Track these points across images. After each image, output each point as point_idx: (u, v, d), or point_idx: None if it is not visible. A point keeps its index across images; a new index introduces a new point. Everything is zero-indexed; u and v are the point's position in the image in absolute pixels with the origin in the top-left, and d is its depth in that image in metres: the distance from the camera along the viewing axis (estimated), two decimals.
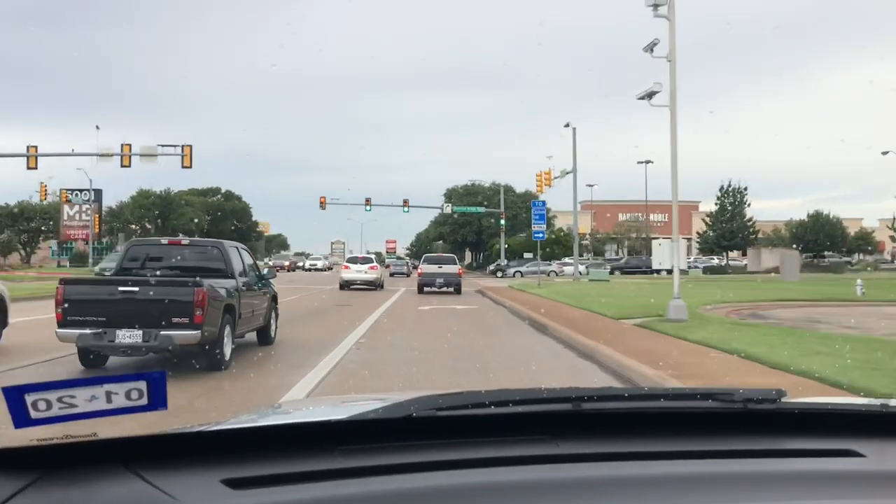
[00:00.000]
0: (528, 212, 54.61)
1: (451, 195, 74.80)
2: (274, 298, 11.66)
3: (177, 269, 9.76)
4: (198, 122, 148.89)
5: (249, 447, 1.13)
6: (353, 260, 32.93)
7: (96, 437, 1.05)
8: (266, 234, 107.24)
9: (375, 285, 30.82)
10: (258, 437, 1.20)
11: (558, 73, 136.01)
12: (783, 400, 1.32)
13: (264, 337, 11.30)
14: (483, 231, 74.30)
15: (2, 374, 8.29)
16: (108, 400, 1.00)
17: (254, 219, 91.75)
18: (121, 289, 8.33)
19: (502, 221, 58.91)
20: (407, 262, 65.92)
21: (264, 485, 1.02)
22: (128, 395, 1.01)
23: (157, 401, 1.03)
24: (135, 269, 9.88)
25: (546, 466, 1.11)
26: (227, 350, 9.11)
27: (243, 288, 9.96)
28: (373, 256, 36.18)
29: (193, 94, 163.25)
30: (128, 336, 8.15)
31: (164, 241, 10.85)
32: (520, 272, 51.42)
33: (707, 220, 65.59)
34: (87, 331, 8.22)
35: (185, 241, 11.32)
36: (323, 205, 53.93)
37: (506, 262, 57.92)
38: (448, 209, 65.41)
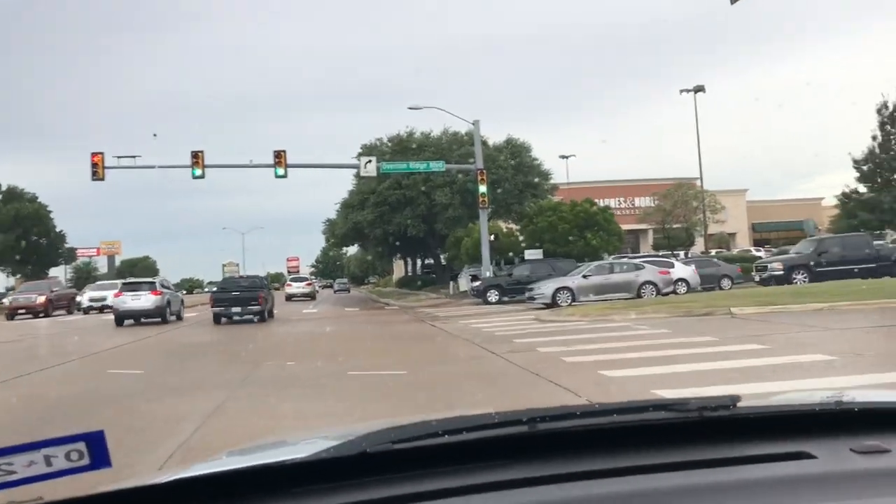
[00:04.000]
0: (523, 174, 43.10)
1: (375, 151, 41.59)
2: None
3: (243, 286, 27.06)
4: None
5: (196, 498, 1.12)
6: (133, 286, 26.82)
7: (41, 500, 1.06)
8: (116, 255, 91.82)
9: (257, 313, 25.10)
10: (205, 485, 1.18)
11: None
12: (738, 405, 1.36)
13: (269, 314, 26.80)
14: (436, 215, 44.05)
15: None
16: (48, 464, 1.00)
17: (59, 230, 66.29)
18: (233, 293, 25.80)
19: (482, 188, 32.48)
20: (310, 280, 61.82)
21: None
22: (67, 457, 1.02)
23: (100, 460, 1.03)
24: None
25: (497, 494, 1.12)
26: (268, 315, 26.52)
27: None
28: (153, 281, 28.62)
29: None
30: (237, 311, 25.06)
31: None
32: (569, 290, 25.47)
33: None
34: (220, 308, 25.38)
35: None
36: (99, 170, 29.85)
37: (495, 268, 35.41)
38: (370, 168, 33.49)
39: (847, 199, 39.64)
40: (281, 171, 32.82)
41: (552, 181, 47.60)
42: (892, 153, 37.76)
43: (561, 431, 1.31)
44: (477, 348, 14.18)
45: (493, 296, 31.35)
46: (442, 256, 49.81)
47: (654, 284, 26.00)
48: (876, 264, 26.41)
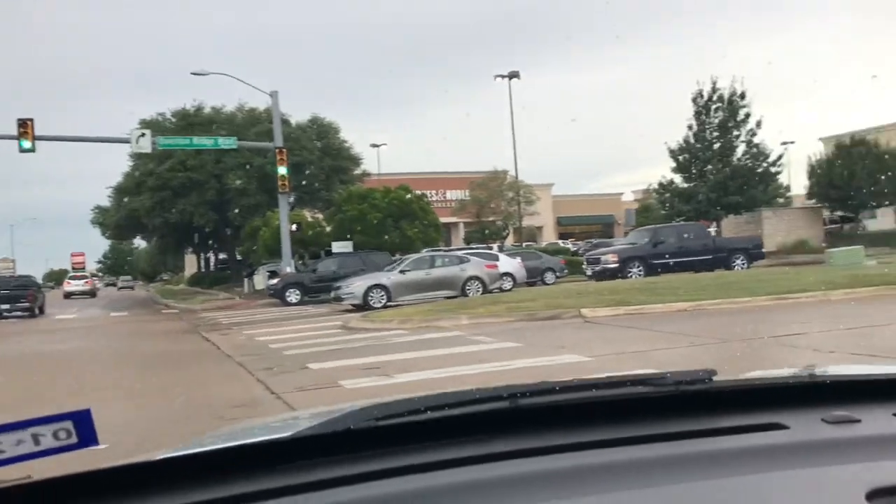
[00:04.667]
0: (331, 157, 39.25)
1: (156, 127, 35.51)
2: None
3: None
4: None
5: (185, 476, 1.11)
6: None
7: (30, 479, 1.05)
8: None
9: None
10: (194, 464, 1.17)
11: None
12: (713, 379, 1.37)
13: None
14: (229, 202, 39.33)
15: None
16: (36, 442, 1.01)
17: None
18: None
19: (281, 170, 28.68)
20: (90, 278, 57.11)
21: None
22: (55, 436, 1.02)
23: (88, 438, 1.03)
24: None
25: (481, 466, 1.13)
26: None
27: None
28: None
29: None
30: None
31: None
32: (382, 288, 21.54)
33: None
34: None
35: None
36: None
37: (299, 263, 31.40)
38: (144, 143, 27.78)
39: (664, 189, 38.78)
40: (27, 144, 26.36)
41: (363, 167, 43.42)
42: (706, 143, 37.23)
43: (541, 406, 1.34)
44: (250, 382, 9.53)
45: (293, 296, 26.67)
46: (238, 250, 43.82)
47: (481, 280, 22.46)
48: (713, 256, 24.69)
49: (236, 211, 38.54)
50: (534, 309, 15.26)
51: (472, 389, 1.38)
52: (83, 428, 1.04)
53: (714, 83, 37.18)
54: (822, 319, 11.87)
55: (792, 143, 37.20)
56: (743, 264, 24.93)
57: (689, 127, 37.87)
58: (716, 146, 37.27)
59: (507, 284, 24.74)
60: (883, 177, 37.05)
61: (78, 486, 1.07)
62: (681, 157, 38.05)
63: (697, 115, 37.71)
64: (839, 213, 42.82)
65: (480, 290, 22.10)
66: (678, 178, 38.52)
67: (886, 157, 38.07)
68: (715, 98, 37.29)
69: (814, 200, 41.79)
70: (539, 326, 13.53)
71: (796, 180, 50.81)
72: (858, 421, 1.28)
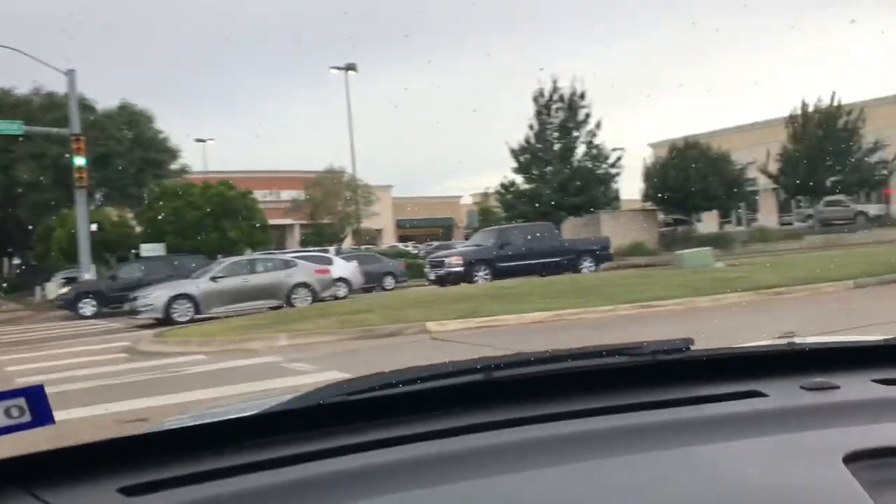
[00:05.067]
0: (143, 148, 34.88)
1: None
2: None
3: None
4: None
5: (151, 454, 1.08)
6: None
7: None
8: None
9: None
10: (160, 442, 1.16)
11: None
12: (691, 348, 1.37)
13: None
14: (18, 198, 35.07)
15: None
16: None
17: None
18: None
19: (79, 160, 25.06)
20: None
21: (163, 488, 0.98)
22: (7, 414, 0.98)
23: (42, 416, 1.00)
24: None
25: (455, 438, 1.12)
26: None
27: None
28: None
29: None
30: None
31: None
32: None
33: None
34: None
35: None
36: None
37: (103, 269, 27.15)
38: None
39: (506, 190, 37.63)
40: None
41: (182, 161, 39.12)
42: (547, 143, 36.44)
43: (516, 378, 1.32)
44: None
45: (87, 307, 22.71)
46: (29, 254, 38.26)
47: (310, 287, 19.70)
48: (561, 258, 23.25)
49: (27, 209, 33.14)
50: (371, 323, 12.77)
51: (446, 363, 1.37)
52: (37, 405, 1.00)
53: (555, 82, 36.49)
54: (702, 333, 10.22)
55: (622, 149, 36.87)
56: (591, 266, 23.73)
57: (531, 126, 36.98)
58: (557, 147, 36.57)
59: (342, 291, 22.20)
60: (712, 179, 37.81)
61: (34, 465, 1.03)
62: (522, 158, 37.05)
63: (538, 114, 36.86)
64: (673, 215, 43.64)
65: (310, 298, 19.34)
66: (520, 179, 37.53)
67: (717, 159, 38.99)
68: (555, 98, 36.58)
69: (649, 203, 42.29)
70: (376, 347, 11.06)
71: (627, 187, 52.12)
72: (837, 387, 1.29)
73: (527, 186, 37.03)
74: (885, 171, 40.86)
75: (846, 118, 39.89)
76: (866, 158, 40.36)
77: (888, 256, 18.15)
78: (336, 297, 20.74)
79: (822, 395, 1.26)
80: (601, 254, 24.60)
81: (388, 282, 27.39)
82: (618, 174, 37.06)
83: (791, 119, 41.35)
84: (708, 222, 52.72)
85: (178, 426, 1.30)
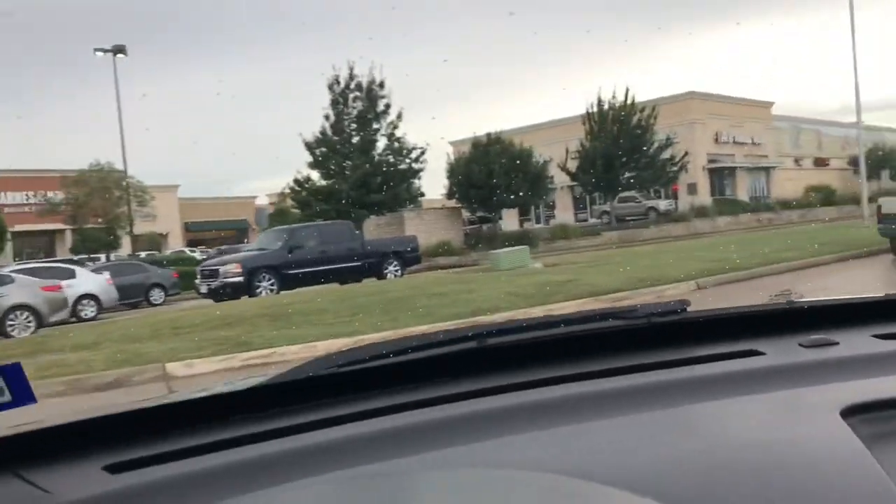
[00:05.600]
0: None
1: None
2: None
3: None
4: None
5: (136, 431, 1.07)
6: None
7: None
8: None
9: None
10: (146, 419, 1.13)
11: None
12: (688, 310, 1.36)
13: None
14: None
15: None
16: None
17: None
18: None
19: None
20: None
21: (148, 464, 0.97)
22: None
23: (22, 395, 0.98)
24: None
25: (449, 405, 1.11)
26: None
27: None
28: None
29: None
30: None
31: None
32: None
33: None
34: None
35: None
36: None
37: None
38: None
39: (300, 187, 33.96)
40: None
41: None
42: (345, 135, 33.28)
43: (510, 344, 1.31)
44: None
45: None
46: None
47: (34, 310, 15.06)
48: (364, 261, 20.00)
49: None
50: (89, 365, 8.92)
51: (437, 332, 1.35)
52: (15, 383, 0.98)
53: (351, 69, 33.36)
54: None
55: (427, 146, 34.60)
56: (397, 270, 20.80)
57: (326, 117, 33.65)
58: (355, 140, 33.52)
59: (90, 311, 17.70)
60: (516, 176, 36.52)
61: (16, 445, 1.02)
62: (318, 152, 33.60)
63: (334, 104, 33.61)
64: (478, 213, 42.15)
65: (32, 325, 14.75)
66: (316, 175, 34.06)
67: (520, 155, 37.82)
68: (353, 86, 33.51)
69: (454, 200, 40.42)
70: (80, 410, 7.30)
71: (431, 187, 50.31)
72: (836, 343, 1.28)
73: (324, 183, 33.62)
74: (674, 168, 42.01)
75: (639, 115, 40.43)
76: (659, 157, 41.23)
77: (709, 252, 16.83)
78: (81, 319, 16.27)
79: (820, 352, 1.26)
80: (409, 255, 21.64)
81: (157, 295, 23.00)
82: (421, 170, 34.67)
83: (588, 116, 41.31)
84: (508, 220, 52.45)
85: (164, 403, 1.25)
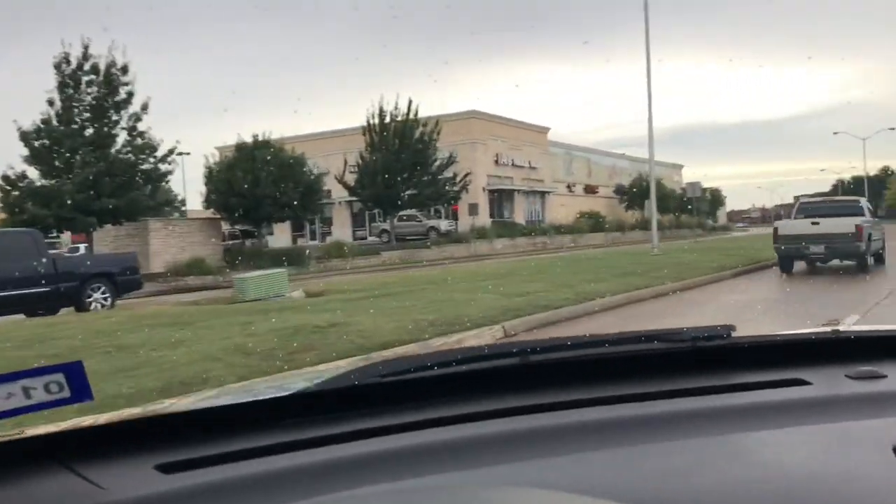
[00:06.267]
0: None
1: None
2: None
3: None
4: None
5: (187, 432, 1.09)
6: None
7: (23, 433, 1.03)
8: None
9: None
10: (196, 420, 1.16)
11: None
12: (733, 335, 1.34)
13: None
14: None
15: None
16: (28, 396, 0.96)
17: None
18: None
19: None
20: None
21: (199, 466, 0.99)
22: (47, 389, 0.97)
23: (81, 392, 1.00)
24: None
25: (493, 421, 1.10)
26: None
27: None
28: None
29: None
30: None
31: None
32: None
33: None
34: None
35: None
36: None
37: None
38: None
39: (12, 186, 27.22)
40: None
41: None
42: (75, 125, 27.18)
43: (553, 362, 1.30)
44: None
45: None
46: None
47: None
48: (55, 286, 14.47)
49: None
50: None
51: (481, 346, 1.35)
52: (76, 381, 0.99)
53: (86, 47, 27.37)
54: None
55: (174, 147, 29.25)
56: (106, 298, 15.53)
57: (50, 102, 27.32)
58: (88, 132, 27.55)
59: None
60: (285, 185, 32.38)
61: (71, 440, 1.04)
62: (38, 143, 27.20)
63: (62, 87, 27.41)
64: (240, 226, 37.36)
65: None
66: (35, 173, 27.56)
67: (292, 163, 33.70)
68: (87, 68, 27.55)
69: (212, 210, 35.29)
70: None
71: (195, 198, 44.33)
72: (884, 376, 1.25)
73: (44, 182, 27.24)
74: (455, 188, 40.14)
75: (422, 129, 38.09)
76: (441, 175, 39.13)
77: (503, 281, 14.04)
78: None
79: (868, 384, 1.22)
80: (125, 278, 16.24)
81: None
82: (170, 172, 29.27)
83: (369, 127, 38.27)
84: (281, 235, 48.04)
85: (214, 405, 1.29)
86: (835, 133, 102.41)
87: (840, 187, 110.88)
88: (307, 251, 34.83)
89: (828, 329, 1.45)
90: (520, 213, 52.00)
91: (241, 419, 1.12)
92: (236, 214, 34.01)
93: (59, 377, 0.98)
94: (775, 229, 17.16)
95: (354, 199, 42.08)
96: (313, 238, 51.43)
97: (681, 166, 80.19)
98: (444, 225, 42.88)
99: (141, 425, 1.12)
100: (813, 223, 16.34)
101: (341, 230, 49.92)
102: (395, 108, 38.18)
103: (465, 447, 1.03)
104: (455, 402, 1.16)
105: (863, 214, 16.79)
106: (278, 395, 1.25)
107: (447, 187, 39.76)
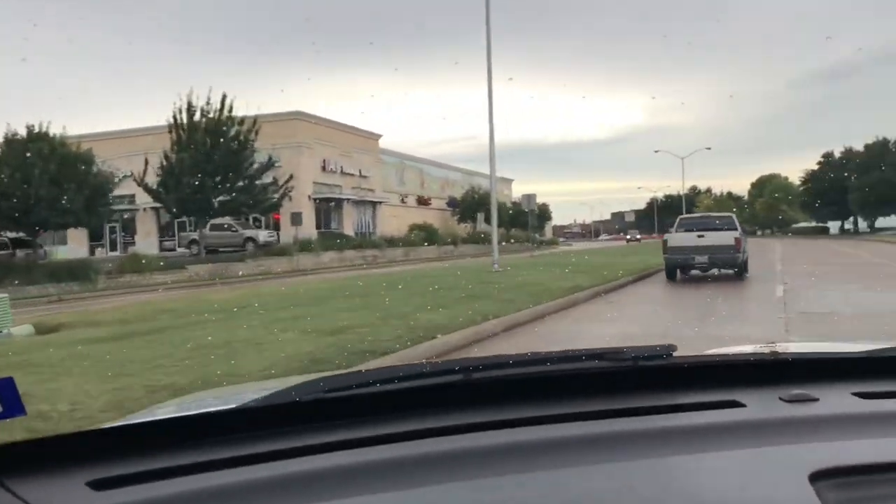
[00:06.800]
0: None
1: None
2: None
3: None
4: None
5: (121, 448, 1.07)
6: None
7: None
8: None
9: None
10: (131, 436, 1.14)
11: None
12: (672, 355, 1.35)
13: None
14: None
15: None
16: None
17: None
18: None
19: None
20: None
21: (131, 483, 0.97)
22: None
23: (13, 407, 1.00)
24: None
25: (435, 440, 1.10)
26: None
27: None
28: None
29: None
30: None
31: None
32: None
33: None
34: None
35: None
36: None
37: None
38: None
39: None
40: None
41: None
42: None
43: (495, 380, 1.30)
44: None
45: None
46: None
47: None
48: None
49: None
50: None
51: (423, 363, 1.33)
52: (7, 396, 0.99)
53: None
54: None
55: None
56: None
57: None
58: None
59: None
60: (68, 186, 27.17)
61: (7, 456, 1.01)
62: None
63: None
64: (12, 233, 31.35)
65: None
66: None
67: (75, 160, 28.41)
68: None
69: None
70: None
71: None
72: (816, 400, 1.27)
73: None
74: (275, 195, 36.20)
75: (238, 128, 33.91)
76: (258, 181, 35.04)
77: (327, 308, 10.89)
78: None
79: (800, 408, 1.24)
80: None
81: None
82: None
83: (176, 124, 33.53)
84: (78, 247, 41.86)
85: (151, 419, 1.27)
86: (656, 151, 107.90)
87: (654, 204, 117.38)
88: (96, 265, 29.64)
89: (766, 350, 1.48)
90: (349, 223, 48.71)
91: (180, 434, 1.10)
92: (3, 219, 28.18)
93: None
94: (665, 241, 18.59)
95: (160, 205, 37.03)
96: (114, 249, 45.45)
97: (511, 180, 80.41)
98: (262, 235, 38.72)
99: (74, 441, 1.10)
100: (699, 236, 17.79)
101: (147, 240, 44.36)
102: (208, 102, 33.71)
103: (404, 467, 1.02)
104: (396, 419, 1.16)
105: (736, 229, 18.22)
106: (218, 409, 1.24)
107: (266, 194, 35.73)
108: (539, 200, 41.86)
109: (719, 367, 1.44)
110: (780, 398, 1.26)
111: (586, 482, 1.00)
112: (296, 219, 37.58)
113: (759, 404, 1.25)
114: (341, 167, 47.95)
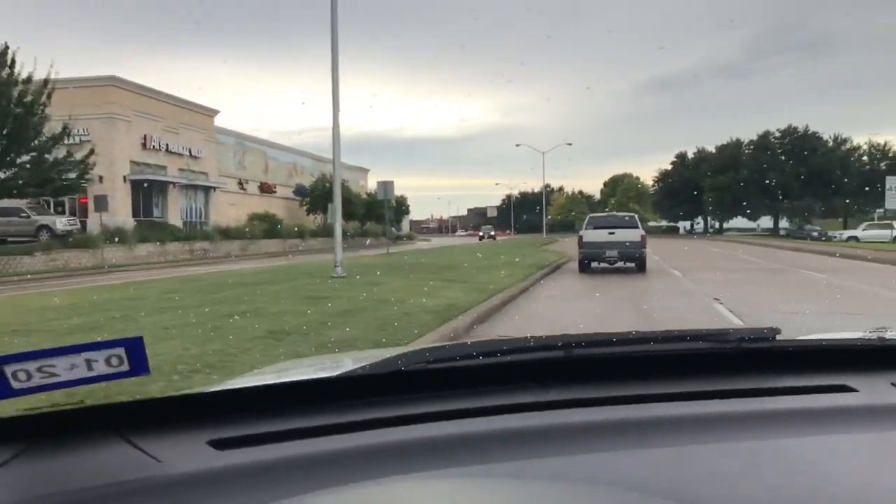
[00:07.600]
0: None
1: None
2: None
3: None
4: None
5: (239, 409, 1.12)
6: None
7: (83, 404, 1.06)
8: None
9: None
10: (248, 398, 1.19)
11: None
12: (778, 338, 1.33)
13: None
14: None
15: None
16: (90, 368, 0.99)
17: None
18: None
19: None
20: None
21: (250, 444, 1.02)
22: (108, 362, 1.00)
23: (139, 366, 1.02)
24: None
25: (536, 413, 1.12)
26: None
27: None
28: None
29: None
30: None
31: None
32: None
33: None
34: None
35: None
36: None
37: None
38: None
39: None
40: None
41: None
42: None
43: (597, 357, 1.29)
44: None
45: None
46: None
47: None
48: None
49: None
50: None
51: (526, 337, 1.34)
52: (135, 355, 1.02)
53: None
54: None
55: None
56: None
57: None
58: None
59: None
60: None
61: (129, 413, 1.07)
62: None
63: None
64: None
65: None
66: None
67: None
68: None
69: None
70: None
71: None
72: None
73: None
74: (72, 173, 29.37)
75: (23, 87, 27.01)
76: (47, 156, 28.17)
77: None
78: None
79: None
80: None
81: None
82: None
83: None
84: None
85: (264, 383, 1.30)
86: (517, 145, 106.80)
87: (509, 200, 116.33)
88: None
89: (874, 336, 1.44)
90: (175, 211, 42.01)
91: (290, 398, 1.14)
92: None
93: (120, 351, 0.99)
94: (580, 237, 20.57)
95: None
96: None
97: (367, 170, 75.50)
98: (61, 223, 31.61)
99: (195, 401, 1.13)
100: (610, 233, 19.68)
101: None
102: None
103: (509, 438, 1.03)
104: (499, 392, 1.17)
105: (639, 227, 20.29)
106: (327, 376, 1.28)
107: (60, 172, 28.89)
108: (397, 193, 37.09)
109: (826, 352, 1.41)
110: (893, 384, 1.23)
111: (710, 460, 0.98)
112: (100, 203, 30.76)
113: (872, 389, 1.22)
114: (166, 145, 41.21)
